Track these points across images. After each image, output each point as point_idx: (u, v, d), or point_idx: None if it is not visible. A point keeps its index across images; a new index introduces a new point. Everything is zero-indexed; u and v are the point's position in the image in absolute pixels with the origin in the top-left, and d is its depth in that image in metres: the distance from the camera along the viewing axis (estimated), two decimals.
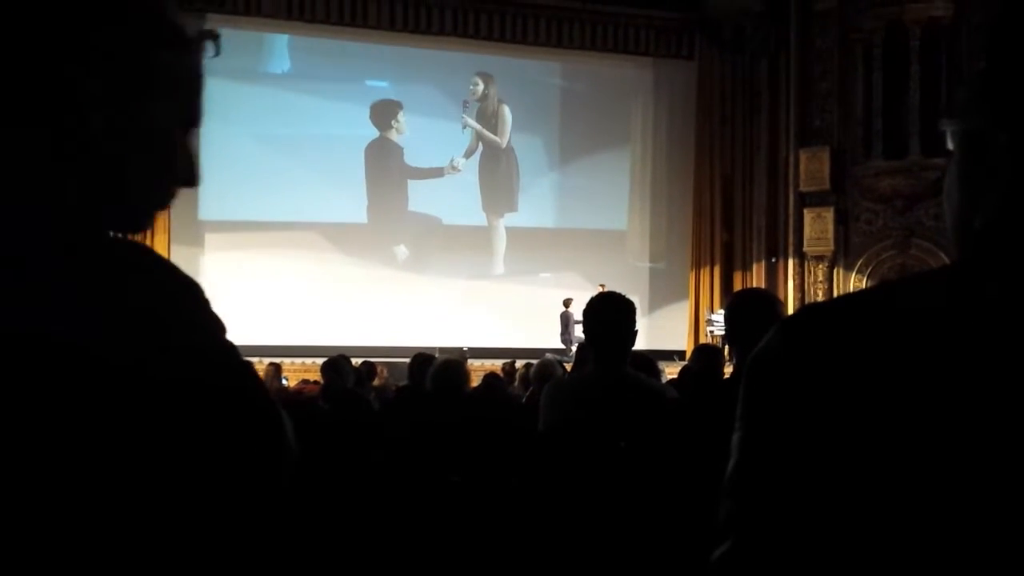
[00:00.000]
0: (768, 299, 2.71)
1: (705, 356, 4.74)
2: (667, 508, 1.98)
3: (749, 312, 2.42)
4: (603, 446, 2.06)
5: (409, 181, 14.72)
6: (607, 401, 2.27)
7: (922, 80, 12.73)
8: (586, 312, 2.41)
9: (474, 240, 14.85)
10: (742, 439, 0.63)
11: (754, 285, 14.36)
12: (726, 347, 8.01)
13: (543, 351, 11.45)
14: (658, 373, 5.17)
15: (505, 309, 14.35)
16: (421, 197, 14.72)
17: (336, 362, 5.54)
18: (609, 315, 2.40)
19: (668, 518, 1.97)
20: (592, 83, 15.39)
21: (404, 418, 4.26)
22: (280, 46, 14.37)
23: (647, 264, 15.46)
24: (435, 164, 14.75)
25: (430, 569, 1.89)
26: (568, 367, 5.95)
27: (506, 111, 15.03)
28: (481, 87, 14.93)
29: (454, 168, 14.80)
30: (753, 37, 14.45)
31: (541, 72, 15.26)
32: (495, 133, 15.05)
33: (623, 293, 2.60)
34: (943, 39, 12.80)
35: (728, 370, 5.28)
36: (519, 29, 14.76)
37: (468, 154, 14.96)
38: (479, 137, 15.00)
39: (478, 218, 15.01)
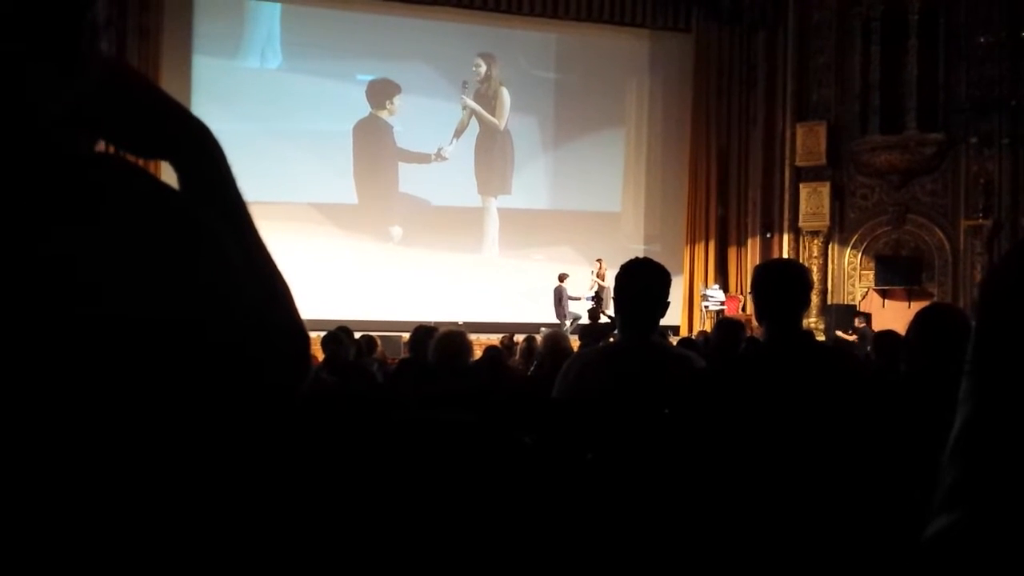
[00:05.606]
0: (796, 269, 2.61)
1: (727, 330, 4.67)
2: (706, 477, 1.92)
3: (778, 285, 2.30)
4: (641, 414, 1.99)
5: (400, 162, 14.54)
6: (641, 369, 2.19)
7: (920, 55, 12.65)
8: (619, 277, 2.31)
9: (466, 220, 14.70)
10: (977, 387, 0.53)
11: (748, 260, 14.34)
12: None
13: (538, 326, 11.41)
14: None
15: (498, 286, 14.28)
16: (413, 178, 14.54)
17: (337, 335, 5.45)
18: (643, 281, 2.31)
19: (707, 487, 1.91)
20: (588, 60, 15.18)
21: (411, 389, 4.19)
22: (273, 41, 14.08)
23: (642, 246, 15.34)
24: (426, 145, 14.55)
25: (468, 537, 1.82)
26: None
27: (505, 94, 14.85)
28: (484, 68, 14.75)
29: (441, 157, 14.59)
30: (751, 9, 14.30)
31: (537, 50, 15.04)
32: (493, 115, 14.86)
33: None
34: (942, 14, 12.71)
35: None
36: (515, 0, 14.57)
37: (458, 133, 14.74)
38: (477, 118, 14.81)
39: (471, 199, 14.85)
